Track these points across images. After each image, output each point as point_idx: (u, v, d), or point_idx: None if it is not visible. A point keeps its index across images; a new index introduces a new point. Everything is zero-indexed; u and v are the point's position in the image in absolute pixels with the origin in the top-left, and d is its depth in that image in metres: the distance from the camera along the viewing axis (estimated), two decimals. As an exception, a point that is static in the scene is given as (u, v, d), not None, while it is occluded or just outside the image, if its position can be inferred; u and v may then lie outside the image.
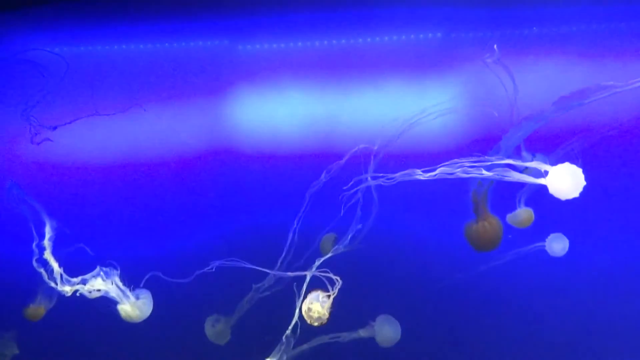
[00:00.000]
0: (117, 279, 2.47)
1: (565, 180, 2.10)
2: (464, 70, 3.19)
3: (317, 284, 2.56)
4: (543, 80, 2.93)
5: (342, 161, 2.70)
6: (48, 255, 2.46)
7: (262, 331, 2.82)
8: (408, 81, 3.28)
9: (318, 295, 2.50)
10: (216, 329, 3.11)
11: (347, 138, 3.21)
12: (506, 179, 2.19)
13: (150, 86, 3.46)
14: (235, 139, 3.40)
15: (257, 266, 2.69)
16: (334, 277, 2.47)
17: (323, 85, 3.39)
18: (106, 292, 2.43)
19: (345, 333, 2.82)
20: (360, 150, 2.69)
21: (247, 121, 3.42)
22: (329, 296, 2.48)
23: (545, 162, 2.18)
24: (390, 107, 3.18)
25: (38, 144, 3.01)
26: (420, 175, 2.36)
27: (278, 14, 3.40)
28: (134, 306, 2.55)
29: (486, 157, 2.22)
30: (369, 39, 3.43)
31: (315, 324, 2.50)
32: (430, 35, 3.35)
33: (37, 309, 2.90)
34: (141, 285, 2.68)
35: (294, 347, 2.66)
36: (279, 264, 2.64)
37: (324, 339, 2.84)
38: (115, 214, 3.39)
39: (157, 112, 3.44)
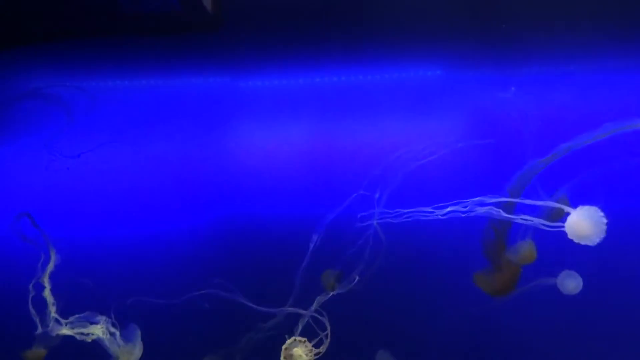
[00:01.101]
0: (108, 326, 2.29)
1: (585, 226, 1.96)
2: (464, 108, 3.13)
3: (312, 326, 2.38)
4: (548, 118, 2.86)
5: (344, 205, 2.59)
6: (47, 294, 2.29)
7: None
8: (409, 119, 3.20)
9: (302, 340, 2.25)
10: None
11: (348, 175, 3.12)
12: (525, 222, 2.04)
13: (153, 121, 3.38)
14: (236, 175, 3.30)
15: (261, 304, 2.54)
16: (324, 321, 2.27)
17: (323, 122, 3.32)
18: (98, 337, 2.24)
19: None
20: (361, 193, 2.58)
21: (247, 158, 3.32)
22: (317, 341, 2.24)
23: (566, 202, 2.03)
24: (391, 145, 3.09)
25: (56, 172, 3.00)
26: (427, 213, 2.25)
27: (279, 51, 3.35)
28: (124, 354, 2.36)
29: (502, 198, 2.09)
30: (369, 77, 3.38)
31: None
32: (429, 73, 3.31)
33: (38, 351, 2.73)
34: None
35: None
36: (288, 305, 2.48)
37: None
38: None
39: (161, 147, 3.35)
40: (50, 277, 2.29)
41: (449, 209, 2.16)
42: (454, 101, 3.17)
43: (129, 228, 3.30)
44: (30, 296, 2.29)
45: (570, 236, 1.99)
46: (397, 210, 2.43)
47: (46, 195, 3.26)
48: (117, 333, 2.34)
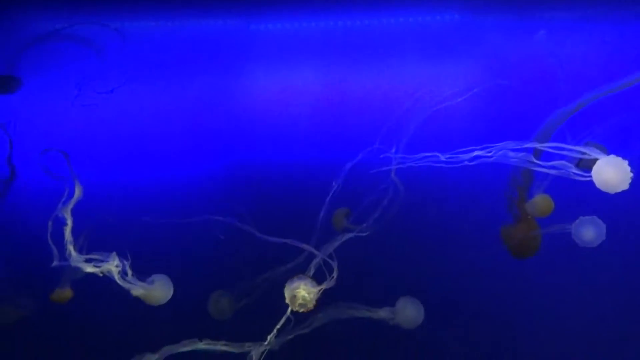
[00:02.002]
0: (125, 265, 2.23)
1: (612, 174, 1.82)
2: (482, 53, 2.98)
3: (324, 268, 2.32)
4: (572, 65, 2.71)
5: (362, 153, 2.49)
6: (68, 229, 2.21)
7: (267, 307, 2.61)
8: (425, 64, 3.06)
9: (307, 280, 2.19)
10: (220, 305, 2.91)
11: (363, 121, 3.02)
12: (548, 172, 1.92)
13: (164, 64, 3.24)
14: (247, 119, 3.19)
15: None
16: (332, 263, 2.18)
17: (338, 66, 3.17)
18: (115, 276, 2.19)
19: (364, 310, 2.61)
20: (378, 139, 2.48)
21: (258, 102, 3.20)
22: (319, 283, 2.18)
23: (597, 150, 1.91)
24: (407, 90, 2.96)
25: (85, 106, 2.96)
26: (445, 160, 2.15)
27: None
28: (149, 290, 2.33)
29: (526, 144, 1.97)
30: (385, 20, 3.22)
31: (299, 309, 2.19)
32: (447, 17, 3.14)
33: (64, 291, 2.70)
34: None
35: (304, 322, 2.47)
36: (304, 246, 2.42)
37: (342, 312, 2.61)
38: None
39: (173, 91, 3.23)
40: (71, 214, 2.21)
41: (471, 154, 2.06)
42: (471, 46, 3.02)
43: (143, 172, 3.22)
44: (49, 232, 2.22)
45: (597, 184, 1.89)
46: (414, 156, 2.34)
47: (65, 135, 3.16)
48: (130, 272, 2.28)
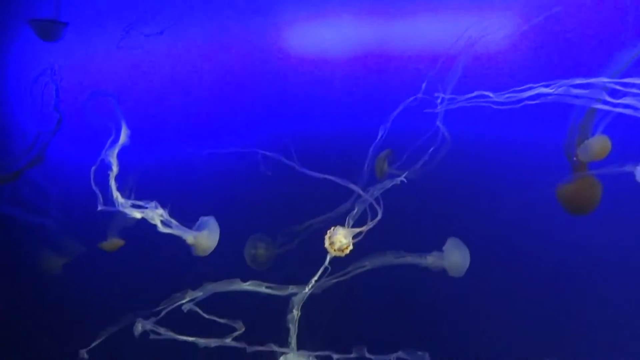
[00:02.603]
0: (165, 212, 2.20)
1: None
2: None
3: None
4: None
5: (399, 109, 2.33)
6: (113, 176, 2.18)
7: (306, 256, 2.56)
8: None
9: (345, 227, 2.25)
10: (256, 252, 2.88)
11: (400, 63, 2.81)
12: (621, 111, 1.67)
13: (199, 11, 3.09)
14: (284, 65, 3.03)
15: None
16: (377, 208, 2.19)
17: (374, 8, 2.93)
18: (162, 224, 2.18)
19: (409, 257, 2.53)
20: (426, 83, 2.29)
21: (296, 47, 3.02)
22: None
23: None
24: (447, 30, 2.70)
25: (132, 49, 2.94)
26: (505, 99, 1.95)
27: None
28: (197, 239, 2.32)
29: (597, 79, 1.73)
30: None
31: (336, 253, 2.24)
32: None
33: (114, 240, 2.73)
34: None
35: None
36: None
37: (389, 259, 2.54)
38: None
39: (207, 36, 3.10)
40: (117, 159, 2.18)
41: (530, 92, 1.86)
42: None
43: (188, 116, 3.15)
44: (92, 177, 2.20)
45: None
46: (465, 96, 2.15)
47: (111, 80, 3.11)
48: (174, 221, 2.26)
